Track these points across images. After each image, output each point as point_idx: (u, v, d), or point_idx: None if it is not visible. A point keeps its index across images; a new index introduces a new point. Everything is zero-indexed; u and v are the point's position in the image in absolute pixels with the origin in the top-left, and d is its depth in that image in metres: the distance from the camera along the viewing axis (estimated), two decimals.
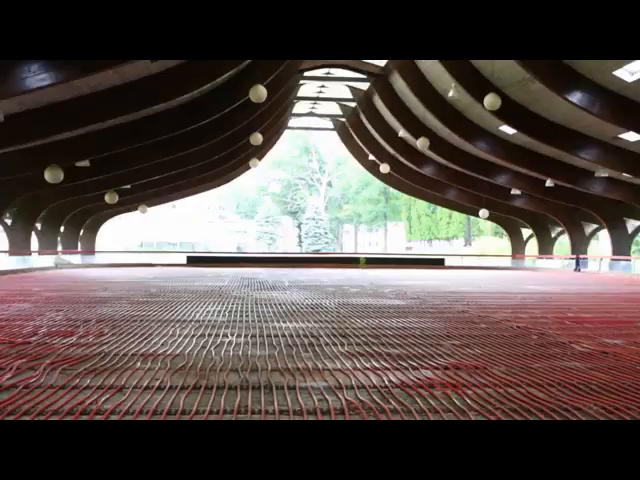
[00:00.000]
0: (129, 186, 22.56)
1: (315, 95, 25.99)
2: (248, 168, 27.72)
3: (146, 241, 60.63)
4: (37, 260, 23.57)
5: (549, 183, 21.01)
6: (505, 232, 34.19)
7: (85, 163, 17.25)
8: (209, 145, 19.51)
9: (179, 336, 5.36)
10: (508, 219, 30.58)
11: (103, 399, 3.11)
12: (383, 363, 4.23)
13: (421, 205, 57.41)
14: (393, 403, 3.09)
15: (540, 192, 22.57)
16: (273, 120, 23.06)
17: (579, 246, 26.33)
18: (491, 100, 13.90)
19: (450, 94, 15.70)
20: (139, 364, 4.08)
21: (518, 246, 31.75)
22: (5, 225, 22.66)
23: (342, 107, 27.95)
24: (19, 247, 22.03)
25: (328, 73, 22.85)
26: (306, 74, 22.18)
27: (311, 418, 2.83)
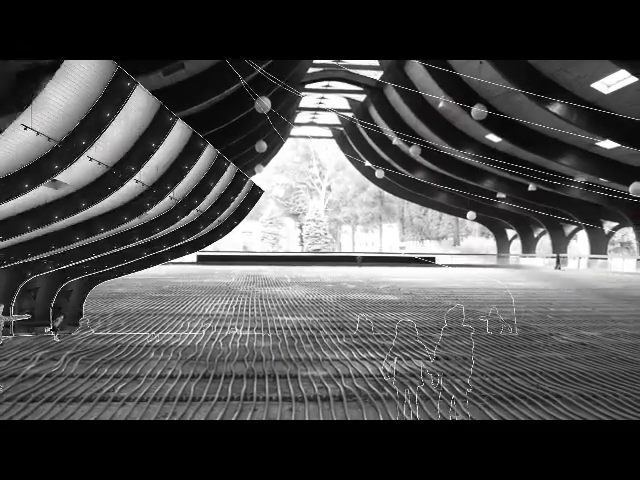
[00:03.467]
0: None
1: (315, 106, 25.97)
2: (253, 173, 27.72)
3: None
4: None
5: (532, 187, 21.00)
6: (491, 232, 34.21)
7: None
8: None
9: (190, 329, 5.36)
10: (494, 220, 30.61)
11: (120, 387, 3.12)
12: (378, 354, 4.24)
13: (413, 207, 57.45)
14: (387, 391, 3.09)
15: (523, 196, 22.60)
16: (276, 129, 23.02)
17: (559, 245, 26.36)
18: (478, 111, 13.91)
19: (440, 105, 15.70)
20: (153, 354, 4.08)
21: (503, 245, 31.81)
22: None
23: (340, 117, 27.94)
24: None
25: (327, 86, 22.83)
26: (307, 86, 22.15)
27: (312, 405, 2.83)
